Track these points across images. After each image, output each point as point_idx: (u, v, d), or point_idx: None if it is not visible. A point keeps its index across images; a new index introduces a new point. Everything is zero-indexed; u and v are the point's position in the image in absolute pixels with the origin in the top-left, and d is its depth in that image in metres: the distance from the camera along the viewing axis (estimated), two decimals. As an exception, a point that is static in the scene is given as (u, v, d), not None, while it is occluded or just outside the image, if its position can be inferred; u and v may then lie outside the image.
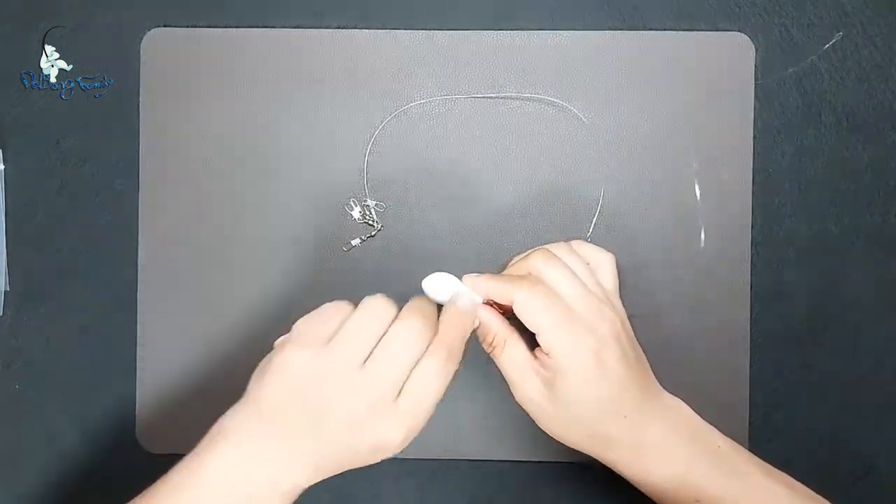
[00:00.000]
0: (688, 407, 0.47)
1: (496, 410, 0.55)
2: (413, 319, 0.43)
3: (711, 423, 0.47)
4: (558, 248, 0.47)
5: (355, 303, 0.44)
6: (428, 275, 0.47)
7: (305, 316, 0.44)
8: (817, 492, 0.46)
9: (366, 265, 0.56)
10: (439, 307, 0.46)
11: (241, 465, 0.42)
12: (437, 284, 0.47)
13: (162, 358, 0.56)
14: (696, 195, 0.55)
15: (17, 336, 0.57)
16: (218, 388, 0.56)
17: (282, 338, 0.44)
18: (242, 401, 0.44)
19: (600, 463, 0.47)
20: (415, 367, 0.42)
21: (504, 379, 0.46)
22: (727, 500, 0.44)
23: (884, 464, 0.55)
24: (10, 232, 0.57)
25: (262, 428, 0.42)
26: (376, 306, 0.43)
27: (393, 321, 0.43)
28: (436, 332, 0.43)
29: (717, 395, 0.55)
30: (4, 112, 0.57)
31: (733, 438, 0.47)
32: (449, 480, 0.56)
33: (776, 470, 0.46)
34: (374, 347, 0.42)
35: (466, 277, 0.47)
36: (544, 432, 0.47)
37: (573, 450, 0.48)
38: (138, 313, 0.56)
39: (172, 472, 0.43)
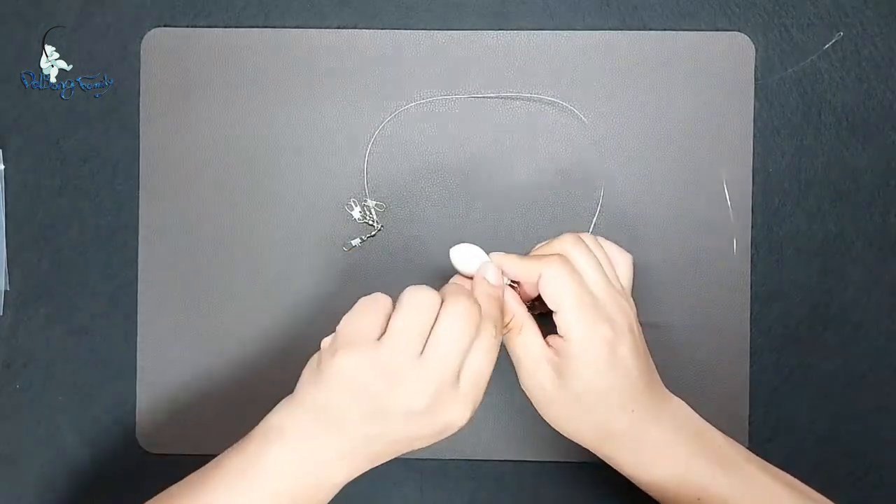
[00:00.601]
0: (688, 407, 0.47)
1: (496, 410, 0.55)
2: (462, 303, 0.43)
3: (711, 423, 0.47)
4: (585, 237, 0.48)
5: (391, 295, 0.44)
6: (455, 245, 0.48)
7: (347, 314, 0.44)
8: (817, 491, 0.46)
9: (366, 265, 0.56)
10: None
11: (299, 463, 0.42)
12: (465, 255, 0.47)
13: (162, 358, 0.56)
14: (727, 204, 0.55)
15: (17, 336, 0.57)
16: (218, 389, 0.56)
17: (328, 339, 0.44)
18: (296, 400, 0.44)
19: (600, 462, 0.47)
20: (470, 347, 0.43)
21: (505, 377, 0.47)
22: (729, 499, 0.44)
23: (884, 464, 0.55)
24: (10, 232, 0.57)
25: (321, 429, 0.42)
26: (422, 297, 0.43)
27: (439, 308, 0.43)
28: (480, 310, 0.44)
29: (717, 395, 0.55)
30: (4, 112, 0.57)
31: (733, 438, 0.47)
32: (449, 480, 0.56)
33: (777, 469, 0.46)
34: (427, 337, 0.42)
35: (494, 255, 0.47)
36: (545, 432, 0.47)
37: (573, 449, 0.48)
38: (138, 313, 0.56)
39: (218, 467, 0.43)
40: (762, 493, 0.45)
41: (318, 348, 0.44)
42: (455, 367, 0.42)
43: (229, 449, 0.44)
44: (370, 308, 0.43)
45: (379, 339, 0.42)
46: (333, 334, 0.44)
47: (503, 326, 0.46)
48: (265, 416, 0.44)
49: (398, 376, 0.41)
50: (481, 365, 0.43)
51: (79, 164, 0.57)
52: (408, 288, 0.44)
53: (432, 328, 0.42)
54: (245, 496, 0.42)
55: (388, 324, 0.43)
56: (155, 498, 0.45)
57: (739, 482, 0.45)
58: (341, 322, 0.44)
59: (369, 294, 0.44)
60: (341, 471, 0.43)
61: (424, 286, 0.44)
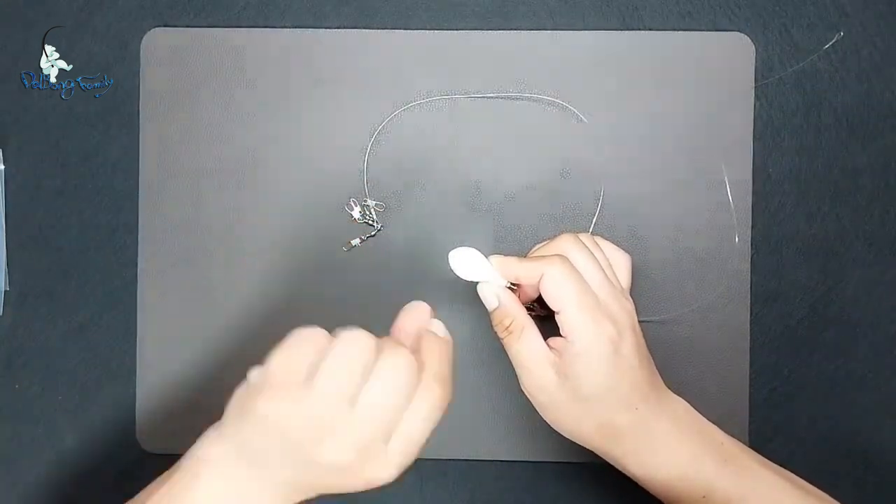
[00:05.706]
0: (689, 405, 0.47)
1: (496, 410, 0.55)
2: (398, 358, 0.39)
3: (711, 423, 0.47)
4: (584, 237, 0.48)
5: (329, 331, 0.41)
6: (453, 249, 0.47)
7: (279, 350, 0.40)
8: (817, 491, 0.46)
9: (366, 265, 0.56)
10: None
11: (224, 496, 0.40)
12: (465, 259, 0.46)
13: (162, 358, 0.56)
14: (728, 204, 0.54)
15: (17, 336, 0.57)
16: (217, 389, 0.56)
17: (256, 372, 0.41)
18: (222, 430, 0.41)
19: (600, 462, 0.47)
20: (408, 407, 0.40)
21: (504, 378, 0.46)
22: (734, 497, 0.44)
23: (884, 464, 0.55)
24: (10, 232, 0.57)
25: (244, 464, 0.40)
26: (357, 342, 0.40)
27: (376, 357, 0.39)
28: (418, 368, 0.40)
29: (717, 395, 0.55)
30: (4, 112, 0.57)
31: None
32: (449, 480, 0.56)
33: (779, 466, 0.46)
34: (360, 388, 0.39)
35: (493, 258, 0.47)
36: (545, 432, 0.47)
37: (573, 450, 0.48)
38: (138, 313, 0.56)
39: (149, 497, 0.41)
40: (767, 490, 0.45)
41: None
42: (386, 427, 0.39)
43: (155, 482, 0.42)
44: (305, 346, 0.40)
45: (308, 381, 0.39)
46: (262, 367, 0.40)
47: (505, 329, 0.46)
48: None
49: (325, 429, 0.39)
50: (415, 431, 0.39)
51: (79, 164, 0.57)
52: (343, 330, 0.40)
53: (367, 381, 0.39)
54: None
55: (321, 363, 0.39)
56: None
57: (744, 479, 0.45)
58: (271, 357, 0.40)
59: (348, 329, 0.40)
60: None
61: (360, 330, 0.40)
